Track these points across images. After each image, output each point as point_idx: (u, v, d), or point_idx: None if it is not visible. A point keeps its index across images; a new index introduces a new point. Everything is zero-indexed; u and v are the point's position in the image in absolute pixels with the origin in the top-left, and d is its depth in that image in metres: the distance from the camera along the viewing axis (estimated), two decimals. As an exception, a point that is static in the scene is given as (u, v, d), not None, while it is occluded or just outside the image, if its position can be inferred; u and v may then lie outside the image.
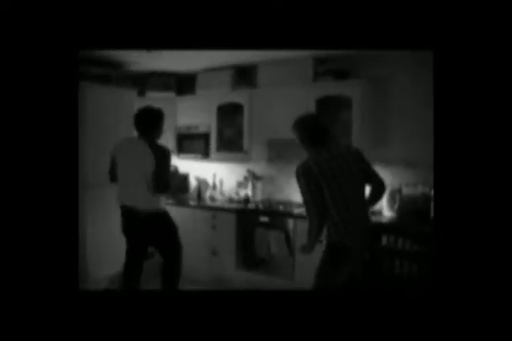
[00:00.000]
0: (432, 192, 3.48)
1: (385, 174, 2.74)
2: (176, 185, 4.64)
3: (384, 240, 3.07)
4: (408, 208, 3.49)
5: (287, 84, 4.03)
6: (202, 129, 4.59)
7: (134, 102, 4.34)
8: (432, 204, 3.48)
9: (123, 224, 3.30)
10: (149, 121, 3.20)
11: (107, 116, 4.08)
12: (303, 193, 2.58)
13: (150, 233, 3.25)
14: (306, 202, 2.57)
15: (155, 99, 4.74)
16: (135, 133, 3.33)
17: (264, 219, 3.94)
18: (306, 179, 2.54)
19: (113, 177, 3.33)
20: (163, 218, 3.27)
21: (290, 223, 3.75)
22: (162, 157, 3.11)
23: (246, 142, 4.30)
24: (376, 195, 2.80)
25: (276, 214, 3.92)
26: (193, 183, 4.88)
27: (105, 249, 4.03)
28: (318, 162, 2.53)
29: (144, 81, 4.80)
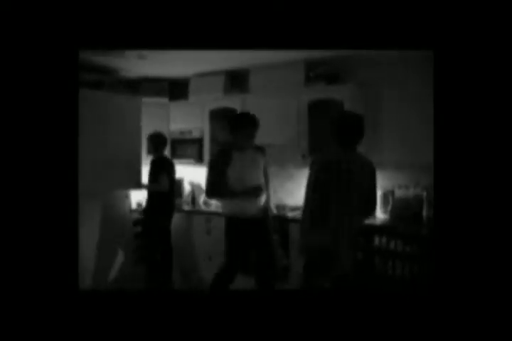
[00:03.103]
0: (425, 193, 3.52)
1: (377, 176, 2.76)
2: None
3: (377, 241, 3.09)
4: (401, 210, 3.52)
5: (279, 88, 4.06)
6: (195, 134, 4.61)
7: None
8: (425, 205, 3.52)
9: None
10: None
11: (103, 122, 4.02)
12: (307, 184, 2.66)
13: None
14: (306, 193, 2.65)
15: (148, 104, 4.75)
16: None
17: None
18: (312, 170, 2.63)
19: None
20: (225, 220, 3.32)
21: (284, 226, 3.76)
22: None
23: (239, 146, 4.31)
24: (362, 214, 2.82)
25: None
26: (186, 188, 4.89)
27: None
28: (329, 161, 2.63)
29: (136, 86, 4.81)
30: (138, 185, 4.03)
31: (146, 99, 4.77)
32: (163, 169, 4.02)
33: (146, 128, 4.66)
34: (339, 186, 2.58)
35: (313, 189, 2.60)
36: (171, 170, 4.12)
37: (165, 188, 3.97)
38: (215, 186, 3.14)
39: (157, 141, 4.15)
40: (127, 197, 4.37)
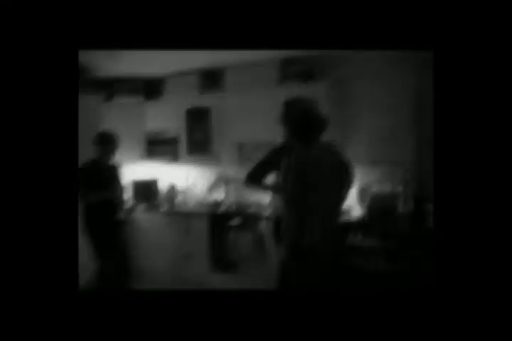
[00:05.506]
0: (400, 188, 3.56)
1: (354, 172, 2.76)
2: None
3: (353, 237, 3.10)
4: (377, 206, 3.55)
5: (255, 86, 4.06)
6: (171, 134, 4.57)
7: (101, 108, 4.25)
8: (401, 201, 3.56)
9: None
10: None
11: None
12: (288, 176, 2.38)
13: None
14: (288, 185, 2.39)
15: (123, 104, 4.69)
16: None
17: (236, 221, 3.94)
18: (292, 162, 2.37)
19: None
20: None
21: (262, 225, 3.76)
22: None
23: (216, 145, 4.30)
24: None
25: (247, 216, 3.93)
26: (162, 189, 4.84)
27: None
28: (316, 158, 2.40)
29: (111, 86, 4.74)
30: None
31: (120, 99, 4.72)
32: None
33: (122, 128, 4.51)
34: (320, 181, 2.38)
35: (295, 181, 2.34)
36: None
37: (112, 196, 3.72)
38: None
39: (105, 142, 3.64)
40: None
